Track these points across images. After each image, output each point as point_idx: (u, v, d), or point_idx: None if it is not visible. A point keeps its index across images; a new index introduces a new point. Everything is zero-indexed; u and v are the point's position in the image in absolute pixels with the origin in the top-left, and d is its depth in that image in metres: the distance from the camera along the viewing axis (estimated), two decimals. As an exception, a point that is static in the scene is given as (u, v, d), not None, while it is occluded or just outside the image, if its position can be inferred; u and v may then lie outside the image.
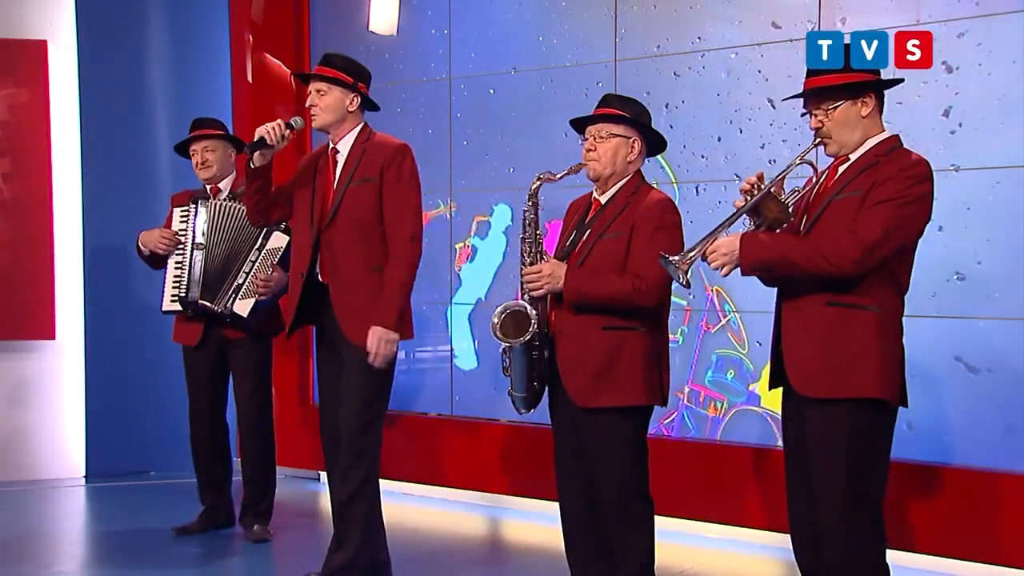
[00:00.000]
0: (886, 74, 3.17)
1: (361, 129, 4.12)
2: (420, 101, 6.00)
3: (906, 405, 3.12)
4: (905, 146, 3.14)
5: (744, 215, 3.13)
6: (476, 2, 5.83)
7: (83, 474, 6.39)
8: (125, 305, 6.37)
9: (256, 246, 4.83)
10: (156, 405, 6.35)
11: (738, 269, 3.13)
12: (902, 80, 3.20)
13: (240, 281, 4.80)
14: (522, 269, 3.56)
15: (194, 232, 4.87)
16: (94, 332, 6.40)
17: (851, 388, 3.00)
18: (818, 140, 3.14)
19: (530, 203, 3.58)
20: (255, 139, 4.02)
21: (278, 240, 4.78)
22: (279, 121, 4.04)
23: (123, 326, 6.37)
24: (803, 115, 3.22)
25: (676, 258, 3.13)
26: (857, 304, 3.01)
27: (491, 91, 5.77)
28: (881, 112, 3.14)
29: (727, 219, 3.15)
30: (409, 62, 6.06)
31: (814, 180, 3.24)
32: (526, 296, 3.54)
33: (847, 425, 3.01)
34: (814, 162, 3.24)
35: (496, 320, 3.52)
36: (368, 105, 4.17)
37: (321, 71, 4.11)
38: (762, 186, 3.11)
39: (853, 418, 3.01)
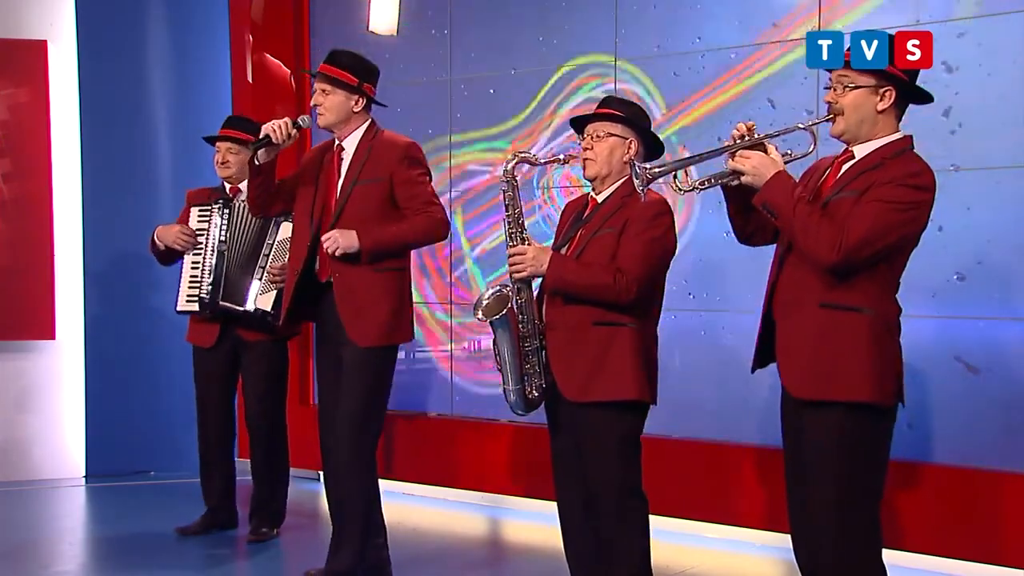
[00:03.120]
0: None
1: (368, 127, 4.09)
2: (420, 101, 6.00)
3: (903, 404, 3.10)
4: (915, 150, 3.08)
5: (727, 155, 3.10)
6: (476, 2, 5.83)
7: (83, 474, 6.39)
8: (125, 305, 6.37)
9: (268, 240, 4.84)
10: (156, 405, 6.36)
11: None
12: (930, 98, 3.12)
13: (259, 277, 4.80)
14: (508, 250, 3.56)
15: (217, 233, 4.87)
16: (94, 332, 6.41)
17: (842, 391, 2.98)
18: (829, 115, 3.08)
19: (506, 182, 3.56)
20: (261, 136, 3.99)
21: (287, 230, 4.75)
22: (286, 119, 4.00)
23: (123, 326, 6.37)
24: (826, 88, 3.17)
25: (646, 165, 3.13)
26: (850, 306, 2.98)
27: (491, 91, 5.77)
28: (899, 117, 3.07)
29: (707, 151, 3.15)
30: (409, 62, 6.06)
31: (815, 176, 3.22)
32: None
33: (841, 429, 2.99)
34: (815, 133, 3.15)
35: (483, 300, 3.53)
36: (374, 103, 4.14)
37: (326, 70, 4.06)
38: (753, 136, 3.09)
39: (847, 422, 2.99)
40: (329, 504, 4.20)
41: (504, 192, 3.57)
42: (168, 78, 6.54)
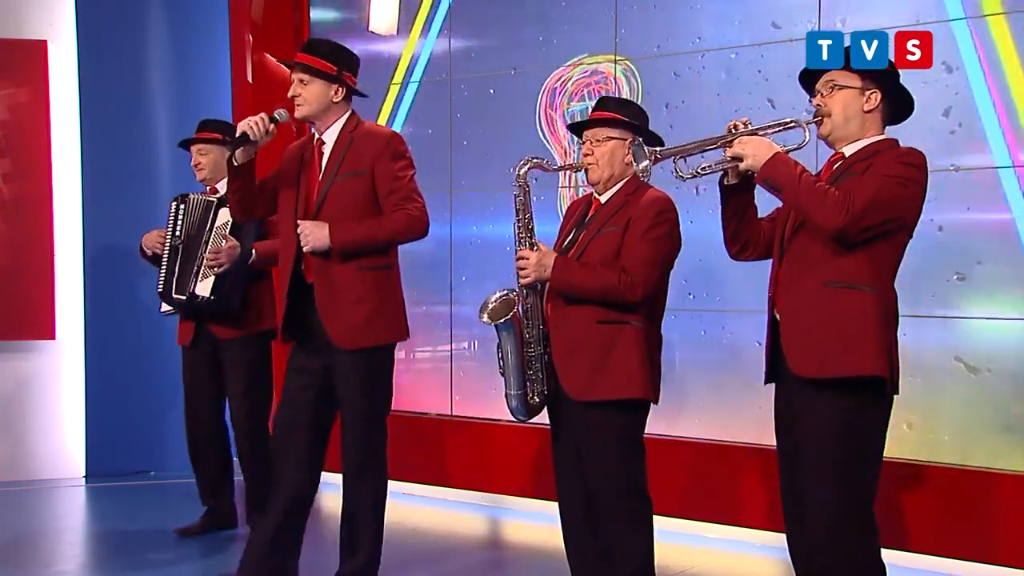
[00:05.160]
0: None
1: (348, 119, 3.94)
2: (420, 101, 5.99)
3: (897, 392, 3.11)
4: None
5: (723, 149, 3.12)
6: (476, 2, 5.83)
7: (83, 474, 6.39)
8: (125, 305, 6.37)
9: (208, 226, 4.83)
10: (156, 405, 6.36)
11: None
12: (911, 107, 3.17)
13: (199, 264, 4.81)
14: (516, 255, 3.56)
15: (174, 230, 4.91)
16: (94, 332, 6.41)
17: (850, 366, 2.99)
18: (817, 117, 3.13)
19: (518, 187, 3.55)
20: (237, 134, 3.81)
21: (225, 215, 4.78)
22: (262, 115, 3.84)
23: (123, 326, 6.37)
24: (810, 100, 3.21)
25: (652, 148, 3.15)
26: (855, 284, 3.01)
27: (491, 91, 5.77)
28: (884, 121, 3.12)
29: (709, 138, 3.15)
30: (409, 62, 6.06)
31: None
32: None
33: (842, 410, 3.00)
34: (805, 127, 3.16)
35: (489, 303, 3.53)
36: (354, 93, 4.00)
37: (304, 59, 3.90)
38: (748, 126, 3.12)
39: (849, 403, 3.00)
40: (293, 501, 4.02)
41: (515, 197, 3.55)
42: (168, 78, 6.54)
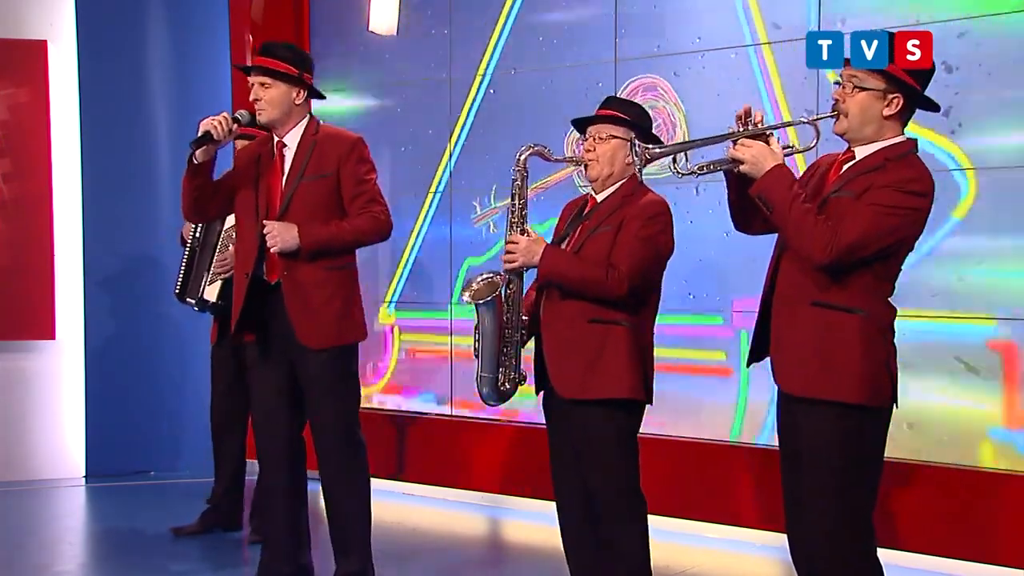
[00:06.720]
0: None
1: (309, 121, 3.96)
2: (420, 101, 6.00)
3: (896, 405, 3.09)
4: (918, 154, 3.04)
5: (729, 143, 3.07)
6: (476, 2, 5.83)
7: (83, 474, 6.39)
8: (125, 305, 6.37)
9: (218, 230, 4.84)
10: (156, 405, 6.35)
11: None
12: (936, 107, 3.10)
13: (208, 268, 4.84)
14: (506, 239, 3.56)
15: (194, 232, 4.92)
16: (94, 332, 6.41)
17: (831, 391, 2.97)
18: (833, 112, 3.06)
19: (516, 172, 3.55)
20: (200, 134, 3.82)
21: (231, 218, 4.71)
22: (224, 114, 3.85)
23: (123, 326, 6.37)
24: (836, 83, 3.12)
25: (647, 145, 3.14)
26: (842, 306, 2.97)
27: (491, 91, 5.77)
28: (904, 123, 3.04)
29: (709, 137, 3.14)
30: (409, 62, 6.07)
31: (816, 175, 3.20)
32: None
33: (832, 427, 2.98)
34: (819, 128, 3.13)
35: (472, 284, 3.54)
36: (314, 95, 4.01)
37: (264, 63, 3.91)
38: (758, 125, 3.06)
39: (839, 420, 2.98)
40: (263, 507, 4.13)
41: (513, 181, 3.56)
42: (168, 78, 6.54)
